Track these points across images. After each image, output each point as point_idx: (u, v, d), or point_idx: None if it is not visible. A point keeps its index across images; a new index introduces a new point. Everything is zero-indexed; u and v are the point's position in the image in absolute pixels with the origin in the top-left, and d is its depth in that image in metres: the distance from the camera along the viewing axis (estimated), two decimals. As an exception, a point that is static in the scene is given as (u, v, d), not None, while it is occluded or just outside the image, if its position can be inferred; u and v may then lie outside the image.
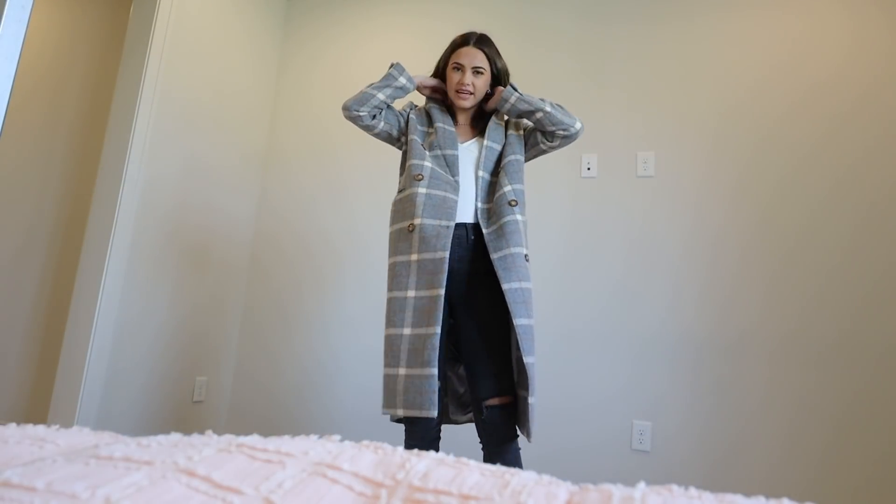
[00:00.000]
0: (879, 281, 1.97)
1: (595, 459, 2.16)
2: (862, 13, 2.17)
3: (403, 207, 1.54)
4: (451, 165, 1.56)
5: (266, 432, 2.65)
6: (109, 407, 2.19)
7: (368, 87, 1.59)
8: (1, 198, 2.79)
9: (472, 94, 1.59)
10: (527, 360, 1.37)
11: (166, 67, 2.40)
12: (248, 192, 2.91)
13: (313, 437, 0.52)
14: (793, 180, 2.14)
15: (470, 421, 1.63)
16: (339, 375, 2.60)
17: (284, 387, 2.69)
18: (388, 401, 1.42)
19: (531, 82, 2.46)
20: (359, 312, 2.63)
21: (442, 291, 1.42)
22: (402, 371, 1.41)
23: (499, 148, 1.63)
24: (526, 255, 1.49)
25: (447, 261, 1.44)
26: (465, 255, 1.53)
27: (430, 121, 1.66)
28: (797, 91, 2.19)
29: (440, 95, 1.70)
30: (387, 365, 1.45)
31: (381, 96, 1.57)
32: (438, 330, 1.40)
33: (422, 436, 1.53)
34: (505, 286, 1.42)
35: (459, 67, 1.59)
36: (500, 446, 1.44)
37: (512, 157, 1.59)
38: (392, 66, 1.61)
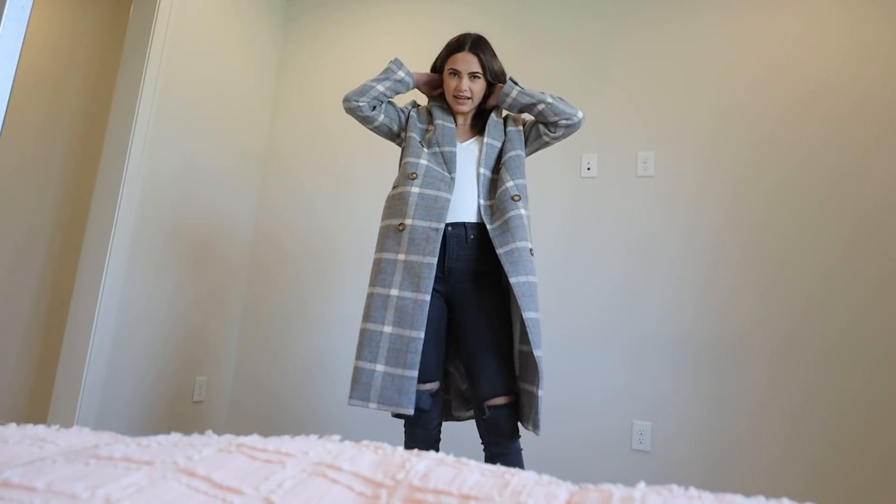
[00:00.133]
0: (879, 281, 1.97)
1: (595, 459, 2.16)
2: (861, 13, 2.17)
3: (395, 205, 1.54)
4: (448, 162, 1.57)
5: (266, 432, 2.65)
6: (109, 407, 2.19)
7: (368, 80, 1.61)
8: (1, 198, 2.79)
9: (469, 98, 1.60)
10: (536, 353, 1.38)
11: (166, 67, 2.40)
12: (249, 192, 2.91)
13: (313, 437, 0.52)
14: (793, 180, 2.14)
15: (472, 418, 1.63)
16: (340, 375, 2.60)
17: (284, 387, 2.69)
18: (360, 393, 1.41)
19: (531, 82, 2.45)
20: (359, 312, 2.63)
21: (427, 297, 1.43)
22: (380, 367, 1.41)
23: (499, 145, 1.63)
24: (531, 250, 1.49)
25: (434, 267, 1.45)
26: (464, 254, 1.53)
27: (430, 118, 1.66)
28: (797, 91, 2.19)
29: (440, 93, 1.71)
30: (361, 358, 1.43)
31: (380, 88, 1.58)
32: (422, 335, 1.41)
33: (422, 437, 1.53)
34: (513, 280, 1.42)
35: (456, 73, 1.59)
36: (503, 446, 1.44)
37: (513, 153, 1.60)
38: (392, 61, 1.63)
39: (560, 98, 1.59)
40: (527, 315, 1.39)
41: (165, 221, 2.43)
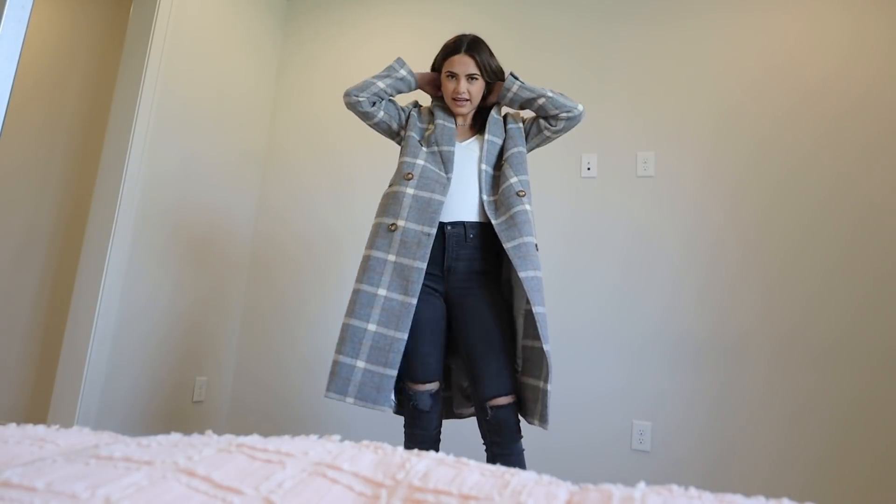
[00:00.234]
0: (879, 281, 1.97)
1: (595, 459, 2.16)
2: (861, 13, 2.17)
3: (389, 204, 1.54)
4: (445, 162, 1.57)
5: (266, 432, 2.65)
6: (109, 407, 2.19)
7: (370, 76, 1.62)
8: (1, 198, 2.79)
9: (468, 100, 1.61)
10: (545, 347, 1.38)
11: (166, 67, 2.40)
12: (249, 191, 2.91)
13: (313, 437, 0.52)
14: (793, 180, 2.14)
15: (473, 415, 1.63)
16: (339, 375, 2.60)
17: (285, 386, 2.69)
18: (339, 387, 1.42)
19: (531, 82, 2.45)
20: (359, 312, 2.63)
21: (415, 301, 1.44)
22: (360, 364, 1.42)
23: (500, 142, 1.64)
24: (536, 245, 1.50)
25: (423, 272, 1.46)
26: (464, 253, 1.53)
27: (431, 118, 1.67)
28: (797, 91, 2.19)
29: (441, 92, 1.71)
30: (342, 353, 1.44)
31: (381, 84, 1.59)
32: (406, 337, 1.43)
33: (422, 438, 1.53)
34: (522, 274, 1.42)
35: (453, 76, 1.60)
36: (506, 447, 1.44)
37: (514, 150, 1.60)
38: (395, 60, 1.64)
39: (560, 93, 1.60)
40: (536, 310, 1.39)
41: (165, 221, 2.43)
